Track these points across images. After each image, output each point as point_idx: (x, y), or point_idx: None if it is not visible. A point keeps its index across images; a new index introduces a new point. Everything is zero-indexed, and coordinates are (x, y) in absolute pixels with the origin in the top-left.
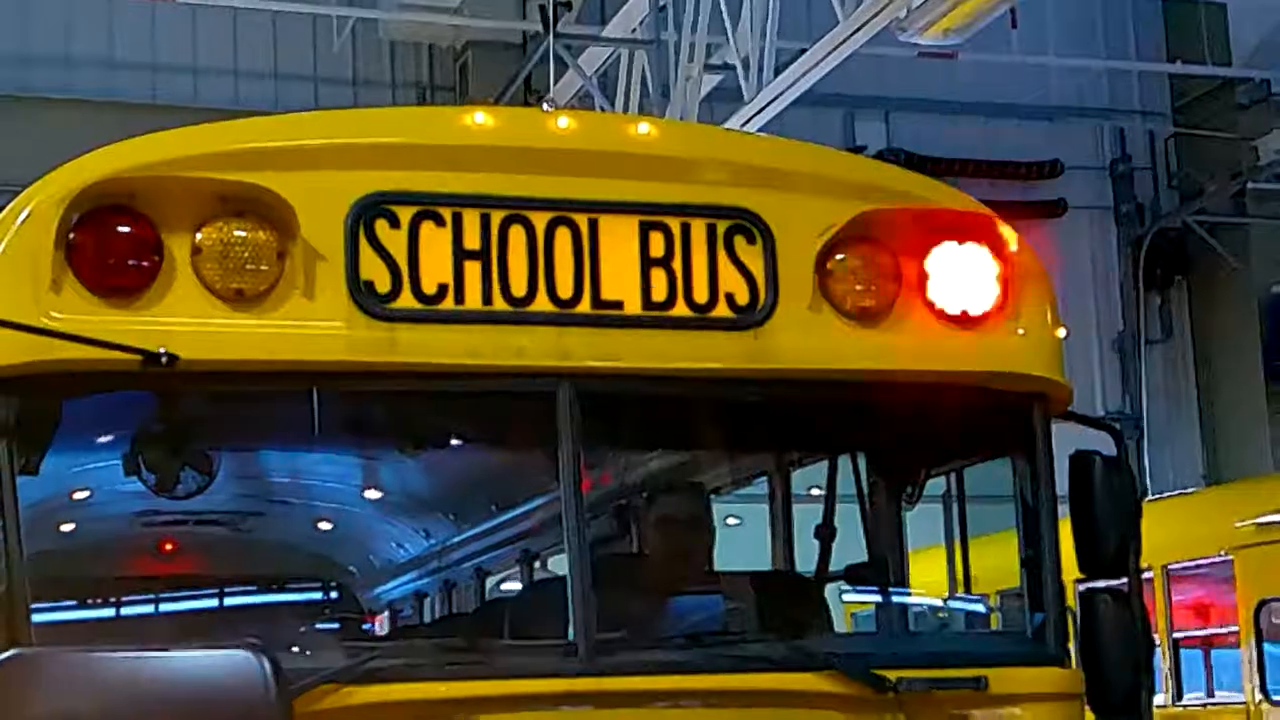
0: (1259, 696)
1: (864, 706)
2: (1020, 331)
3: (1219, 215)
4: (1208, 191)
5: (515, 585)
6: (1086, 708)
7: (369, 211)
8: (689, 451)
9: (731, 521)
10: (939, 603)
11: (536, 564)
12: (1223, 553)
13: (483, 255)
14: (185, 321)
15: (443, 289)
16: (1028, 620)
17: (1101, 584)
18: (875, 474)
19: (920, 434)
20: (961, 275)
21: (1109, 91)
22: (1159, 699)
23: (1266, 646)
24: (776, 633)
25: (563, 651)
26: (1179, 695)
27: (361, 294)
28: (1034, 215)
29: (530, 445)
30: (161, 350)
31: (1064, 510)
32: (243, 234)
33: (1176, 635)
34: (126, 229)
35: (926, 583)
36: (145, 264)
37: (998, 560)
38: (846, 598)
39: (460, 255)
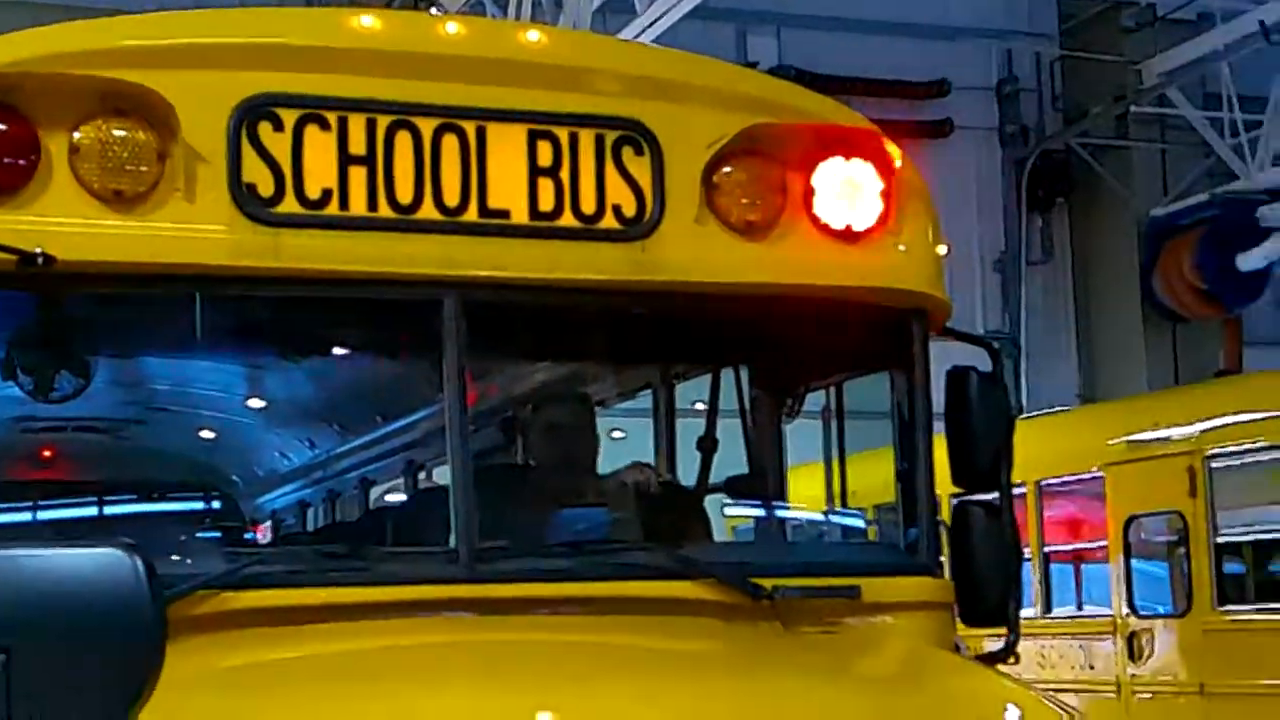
0: (1125, 610)
1: (741, 614)
2: (902, 248)
3: (1102, 138)
4: (1092, 114)
5: (399, 495)
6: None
7: (252, 113)
8: (574, 362)
9: (617, 435)
10: (817, 516)
11: (421, 474)
12: (1094, 469)
13: (368, 161)
14: (63, 222)
15: (327, 194)
16: (901, 532)
17: (974, 497)
18: (757, 387)
19: (802, 348)
20: (846, 191)
21: (1001, 12)
22: (1030, 612)
23: (1134, 561)
24: (657, 542)
25: (444, 558)
26: (1049, 608)
27: (244, 197)
28: (921, 135)
29: (415, 354)
30: (38, 250)
31: (941, 428)
32: (122, 133)
33: (1048, 549)
34: (3, 126)
35: (806, 497)
36: (22, 163)
37: (875, 476)
38: (727, 510)
39: (345, 160)
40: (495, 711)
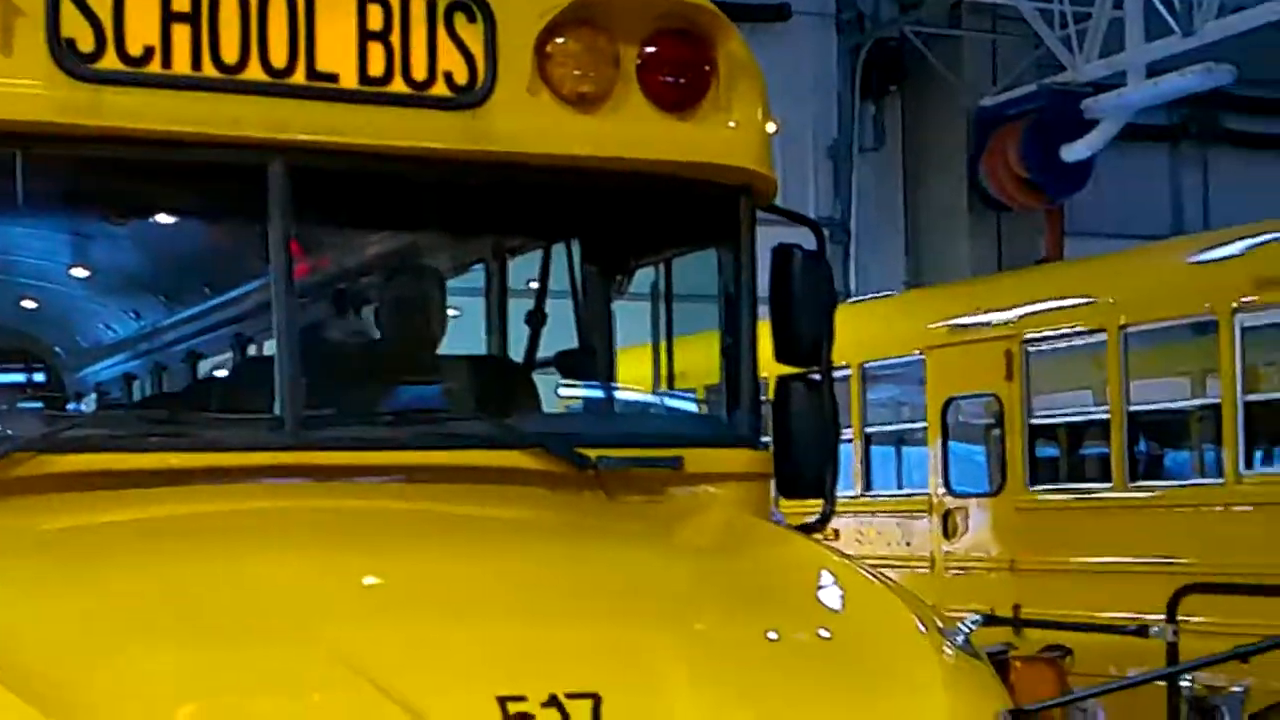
0: (942, 489)
1: (566, 483)
2: (732, 124)
3: (935, 27)
4: (926, 2)
5: (226, 366)
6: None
7: None
8: (404, 233)
9: (451, 313)
10: (644, 393)
11: (251, 346)
12: (916, 352)
13: (192, 18)
14: None
15: (149, 51)
16: (723, 405)
17: (795, 373)
18: (587, 263)
19: (631, 223)
20: (678, 65)
21: None
22: (852, 491)
23: (952, 443)
24: (484, 413)
25: (268, 425)
26: (869, 487)
27: (62, 52)
28: (758, 19)
29: (241, 221)
30: None
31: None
32: None
33: (870, 430)
34: None
35: (634, 377)
36: None
37: (704, 358)
38: (558, 388)
39: (168, 16)
40: (320, 574)
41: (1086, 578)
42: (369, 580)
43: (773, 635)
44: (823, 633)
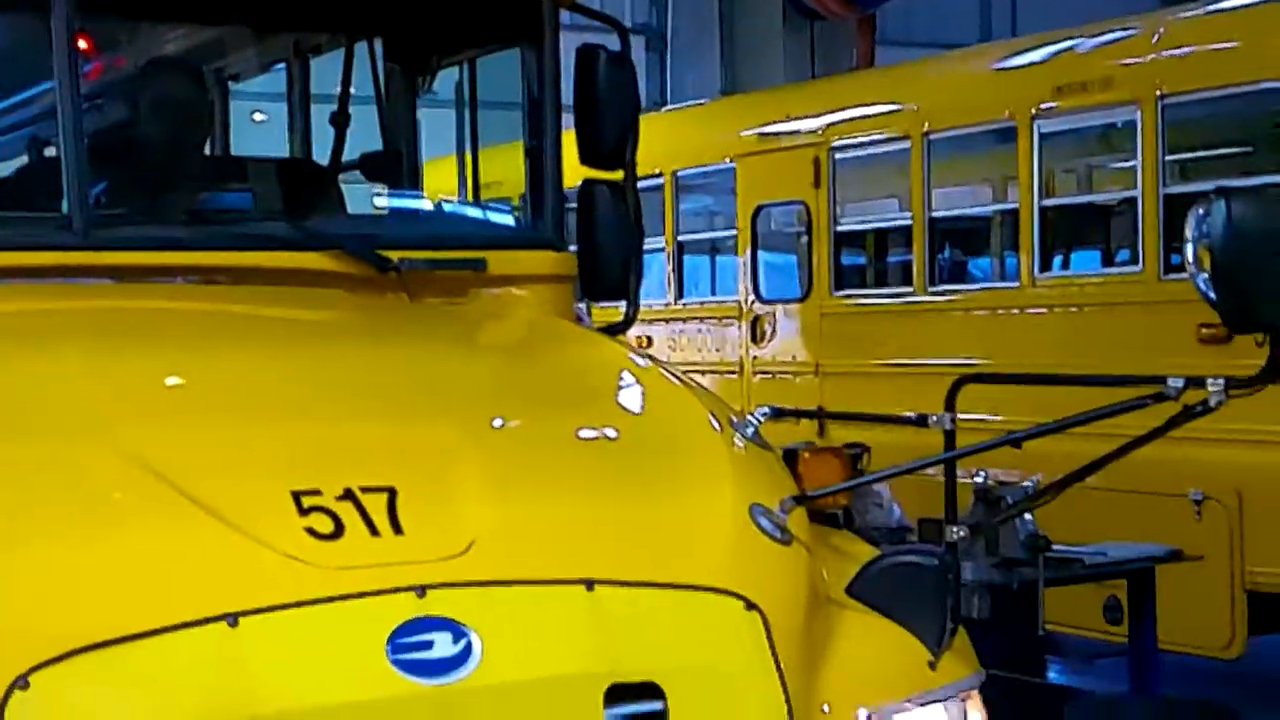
0: (751, 296)
1: (368, 286)
2: None
3: None
4: None
5: (11, 165)
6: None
7: None
8: (199, 30)
9: (259, 118)
10: (448, 198)
11: (41, 147)
12: (727, 160)
13: None
14: None
15: None
16: (527, 208)
17: (599, 176)
18: (390, 60)
19: (433, 20)
20: None
21: None
22: (665, 299)
23: (761, 251)
24: (284, 215)
25: (56, 224)
26: (681, 295)
27: None
28: None
29: (26, 16)
30: None
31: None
32: None
33: (682, 239)
34: None
35: (440, 185)
36: None
37: (512, 168)
38: (359, 188)
39: None
40: (109, 374)
41: (887, 379)
42: (160, 380)
43: (568, 431)
44: (617, 429)
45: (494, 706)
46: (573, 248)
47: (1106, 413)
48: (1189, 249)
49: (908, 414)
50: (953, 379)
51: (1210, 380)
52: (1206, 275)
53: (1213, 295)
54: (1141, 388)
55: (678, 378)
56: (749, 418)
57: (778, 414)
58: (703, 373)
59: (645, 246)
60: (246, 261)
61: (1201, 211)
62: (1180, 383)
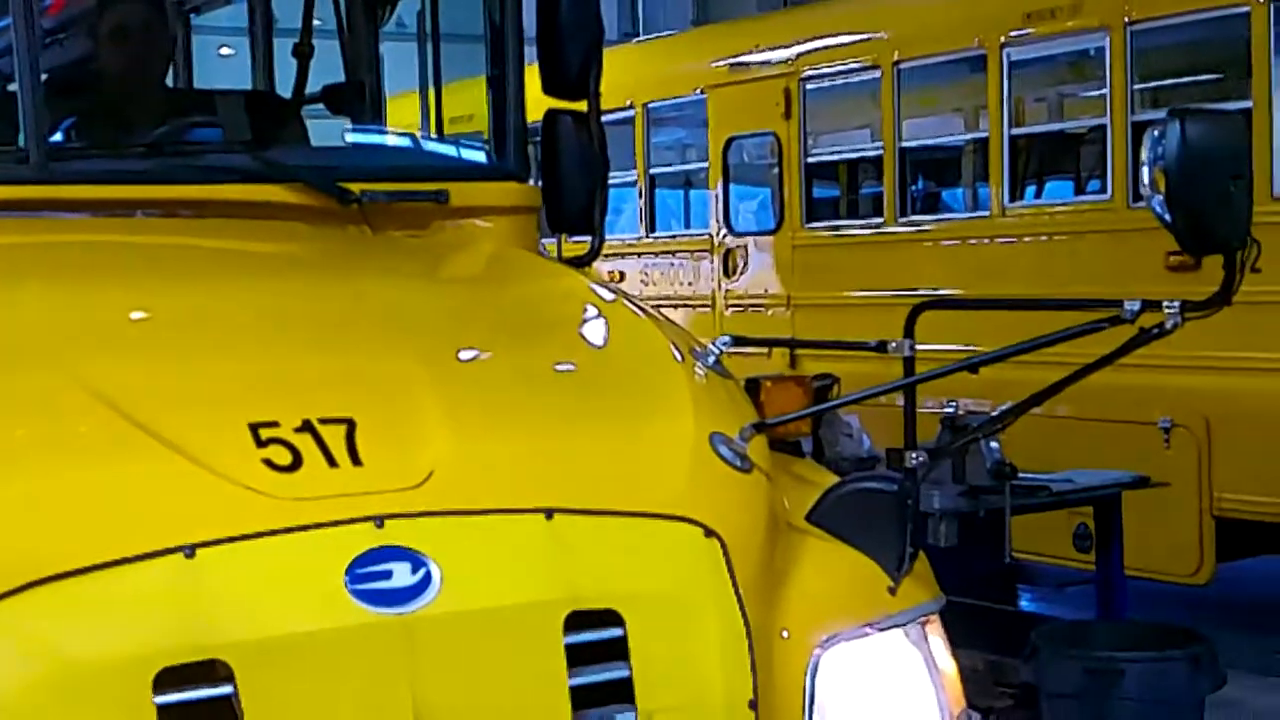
0: (722, 229)
1: (329, 218)
2: None
3: None
4: None
5: None
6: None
7: None
8: None
9: (225, 52)
10: (411, 132)
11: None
12: (697, 91)
13: None
14: None
15: None
16: (491, 141)
17: (563, 107)
18: None
19: None
20: None
21: None
22: (636, 233)
23: (733, 184)
24: (245, 147)
25: (13, 158)
26: (653, 228)
27: None
28: None
29: None
30: None
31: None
32: None
33: (654, 172)
34: None
35: (406, 123)
36: None
37: (477, 101)
38: (323, 124)
39: None
40: (65, 307)
41: (858, 310)
42: (117, 313)
43: (528, 362)
44: (578, 359)
45: (454, 635)
46: (538, 183)
47: (1063, 336)
48: (1145, 171)
49: (868, 341)
50: None
51: (1166, 303)
52: (1161, 197)
53: (1168, 217)
54: (1100, 312)
55: (640, 308)
56: (710, 346)
57: (738, 342)
58: (675, 307)
59: (617, 180)
60: (206, 194)
61: (1157, 133)
62: (1136, 305)
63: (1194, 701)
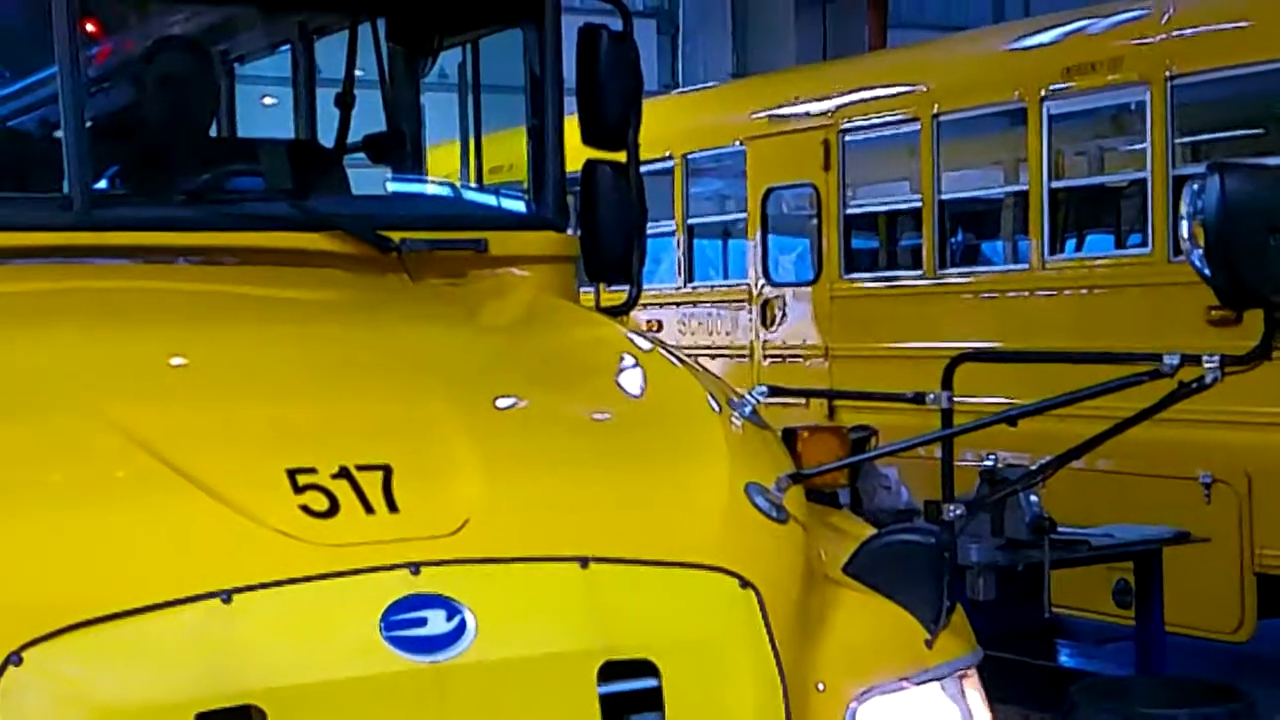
0: (761, 279)
1: (369, 266)
2: None
3: None
4: None
5: (14, 147)
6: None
7: None
8: (203, 10)
9: (268, 101)
10: (451, 182)
11: (41, 127)
12: (736, 143)
13: None
14: None
15: None
16: (530, 190)
17: (602, 156)
18: (394, 41)
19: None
20: None
21: None
22: (675, 283)
23: (771, 234)
24: (287, 195)
25: (57, 205)
26: (691, 278)
27: None
28: None
29: None
30: None
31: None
32: None
33: (693, 222)
34: None
35: (446, 171)
36: None
37: (515, 153)
38: (364, 172)
39: None
40: (106, 353)
41: (897, 363)
42: (157, 358)
43: (564, 410)
44: (614, 407)
45: (488, 683)
46: (577, 232)
47: (1103, 389)
48: (1184, 225)
49: (905, 393)
50: None
51: (1206, 357)
52: (1201, 251)
53: (1207, 271)
54: (1140, 365)
55: (677, 357)
56: (746, 396)
57: (775, 392)
58: (713, 356)
59: (656, 230)
60: (248, 242)
61: (1196, 187)
62: (1176, 359)
63: None
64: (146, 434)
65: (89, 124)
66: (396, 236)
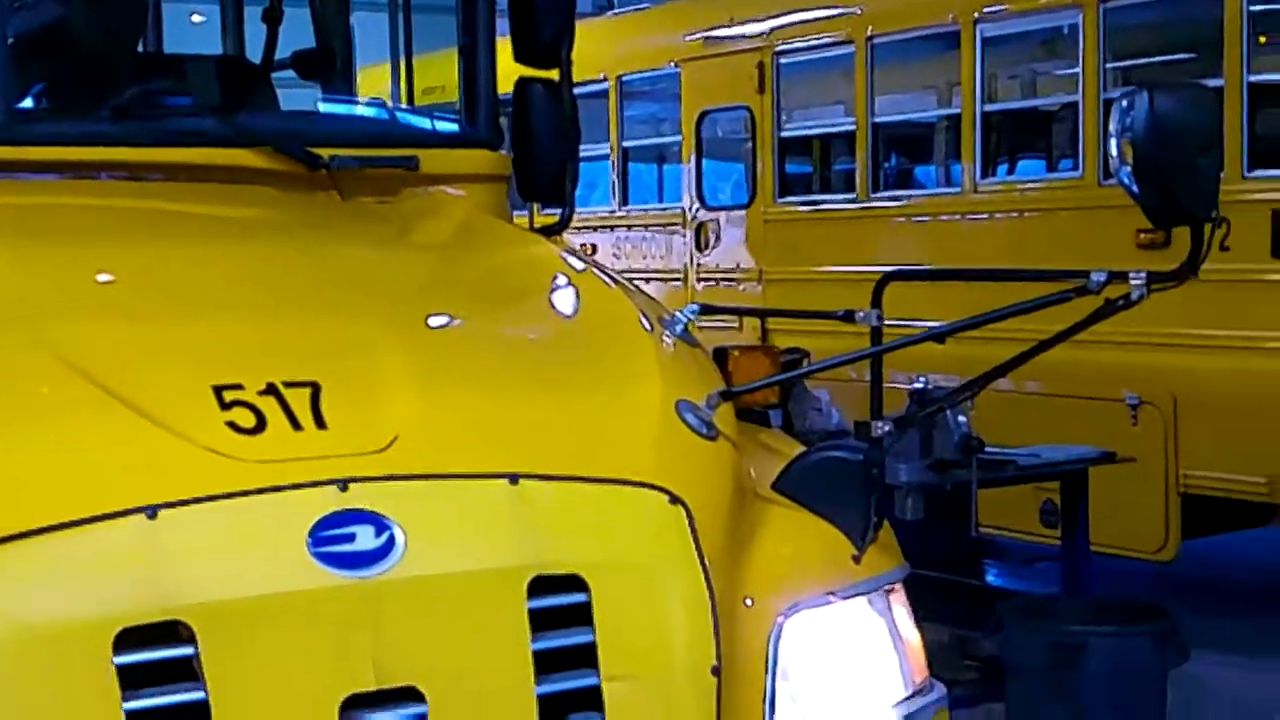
0: (695, 202)
1: (298, 183)
2: None
3: None
4: None
5: None
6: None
7: None
8: None
9: (197, 19)
10: (381, 100)
11: None
12: (671, 65)
13: None
14: None
15: None
16: (462, 108)
17: (534, 75)
18: None
19: None
20: None
21: None
22: (609, 206)
23: (706, 158)
24: (214, 112)
25: None
26: (626, 201)
27: None
28: None
29: None
30: None
31: None
32: None
33: (627, 145)
34: None
35: (377, 93)
36: None
37: (448, 73)
38: (294, 91)
39: None
40: (31, 270)
41: (830, 286)
42: (82, 275)
43: (495, 328)
44: (545, 326)
45: (417, 599)
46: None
47: (1029, 306)
48: (1113, 143)
49: (835, 311)
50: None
51: (1132, 273)
52: (1129, 169)
53: (1135, 189)
54: (1067, 283)
55: (610, 276)
56: (678, 315)
57: (706, 311)
58: (647, 280)
59: (590, 153)
60: (175, 158)
61: (1125, 104)
62: (1103, 276)
63: (1157, 676)
64: (69, 350)
65: (11, 40)
66: (326, 154)
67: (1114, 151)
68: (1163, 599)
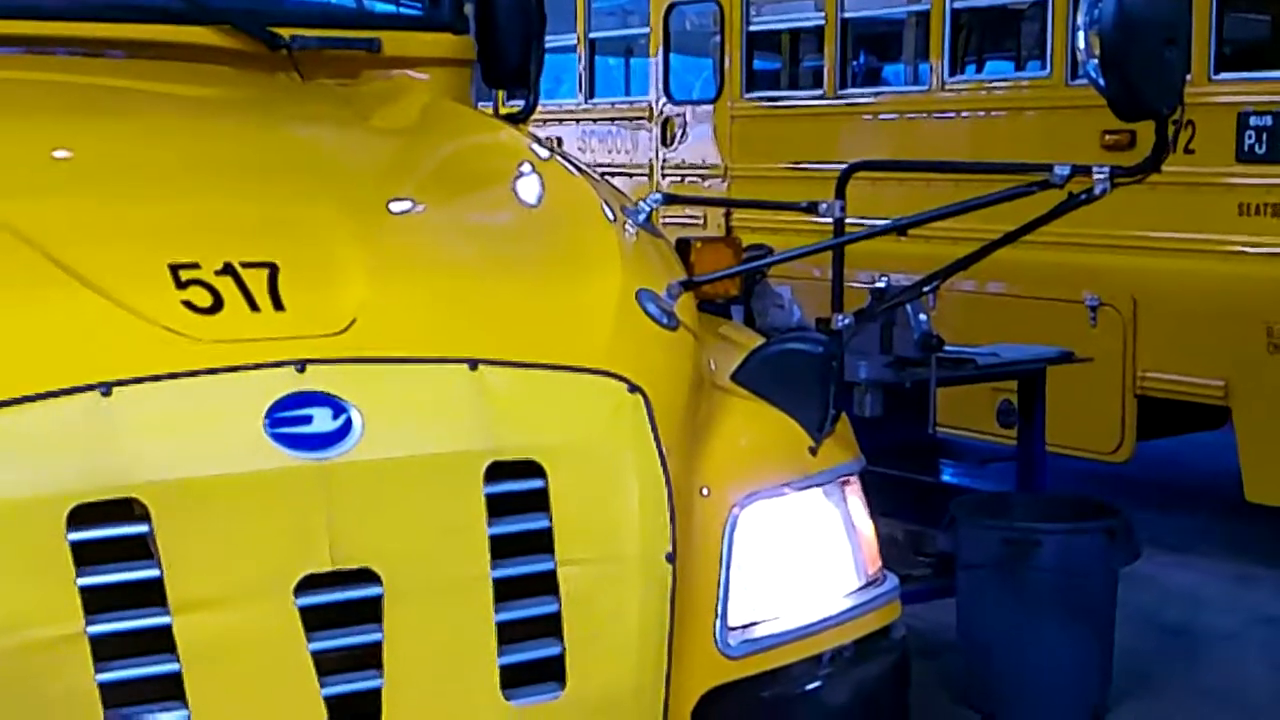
0: (662, 98)
1: (257, 63)
2: None
3: None
4: None
5: None
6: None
7: None
8: None
9: None
10: None
11: None
12: None
13: None
14: None
15: None
16: None
17: None
18: None
19: None
20: None
21: None
22: (576, 99)
23: (674, 53)
24: None
25: None
26: (592, 94)
27: None
28: None
29: None
30: None
31: None
32: None
33: (594, 37)
34: None
35: None
36: None
37: None
38: None
39: None
40: None
41: (795, 183)
42: (37, 152)
43: (456, 213)
44: (507, 212)
45: (373, 481)
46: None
47: (992, 199)
48: (1080, 35)
49: (799, 202)
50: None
51: (1096, 167)
52: (1096, 61)
53: (1102, 81)
54: (1030, 176)
55: (573, 164)
56: (641, 204)
57: (669, 200)
58: (613, 174)
59: (557, 44)
60: (134, 34)
61: None
62: (1066, 170)
63: (1108, 574)
64: (23, 225)
65: None
66: (287, 33)
67: (1082, 44)
68: (1117, 500)
